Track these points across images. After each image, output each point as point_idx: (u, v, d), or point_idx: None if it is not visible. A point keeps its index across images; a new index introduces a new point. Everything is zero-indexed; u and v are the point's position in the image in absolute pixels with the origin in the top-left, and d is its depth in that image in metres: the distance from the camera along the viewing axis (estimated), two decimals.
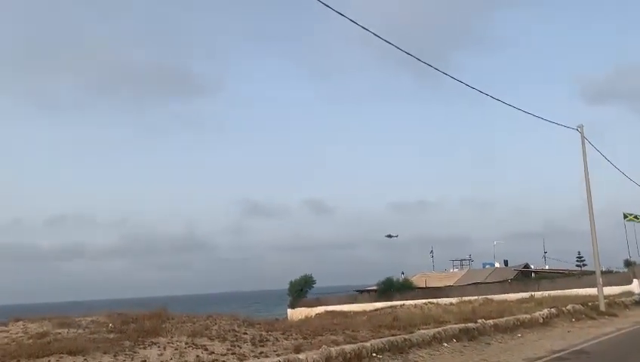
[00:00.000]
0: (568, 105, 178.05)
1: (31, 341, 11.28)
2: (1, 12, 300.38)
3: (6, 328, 12.95)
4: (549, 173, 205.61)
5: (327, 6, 11.07)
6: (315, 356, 11.06)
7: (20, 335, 12.15)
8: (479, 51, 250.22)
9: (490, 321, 18.00)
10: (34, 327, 12.94)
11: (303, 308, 46.82)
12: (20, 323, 13.52)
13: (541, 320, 20.79)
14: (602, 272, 29.12)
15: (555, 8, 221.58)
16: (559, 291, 35.75)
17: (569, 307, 23.88)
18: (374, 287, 49.34)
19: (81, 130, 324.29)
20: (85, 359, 9.81)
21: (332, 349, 11.71)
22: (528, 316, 20.48)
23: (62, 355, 9.81)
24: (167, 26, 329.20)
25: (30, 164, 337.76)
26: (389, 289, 47.02)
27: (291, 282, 49.97)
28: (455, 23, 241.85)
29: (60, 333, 12.31)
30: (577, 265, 54.84)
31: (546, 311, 21.98)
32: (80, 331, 12.74)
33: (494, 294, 37.48)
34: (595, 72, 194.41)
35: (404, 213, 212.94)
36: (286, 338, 13.35)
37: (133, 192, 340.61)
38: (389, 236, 57.96)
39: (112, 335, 12.06)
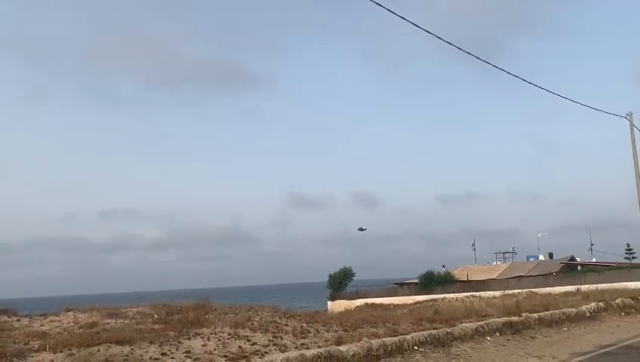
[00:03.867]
0: (628, 92, 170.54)
1: (81, 330, 11.68)
2: (68, 9, 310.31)
3: (58, 318, 13.46)
4: (599, 163, 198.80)
5: (377, 3, 11.00)
6: (355, 348, 11.06)
7: (70, 325, 12.61)
8: (537, 37, 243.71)
9: (535, 315, 17.59)
10: (84, 317, 13.40)
11: (342, 301, 46.94)
12: (71, 313, 14.02)
13: (588, 314, 20.18)
14: None
15: None
16: (607, 284, 34.61)
17: (618, 301, 23.07)
18: (415, 280, 49.03)
19: (135, 124, 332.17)
20: (132, 349, 10.09)
21: (373, 341, 11.68)
22: (574, 310, 19.90)
23: (110, 344, 10.11)
24: (224, 21, 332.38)
25: (87, 157, 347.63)
26: (430, 282, 46.67)
27: (331, 275, 50.16)
28: (513, 9, 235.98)
29: (108, 323, 12.70)
30: (626, 258, 53.06)
31: (593, 304, 21.31)
32: (127, 321, 13.11)
33: (538, 287, 36.65)
34: None
35: (450, 204, 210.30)
36: (327, 331, 13.40)
37: (181, 185, 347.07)
38: (361, 229, 58.52)
39: (157, 326, 12.35)
